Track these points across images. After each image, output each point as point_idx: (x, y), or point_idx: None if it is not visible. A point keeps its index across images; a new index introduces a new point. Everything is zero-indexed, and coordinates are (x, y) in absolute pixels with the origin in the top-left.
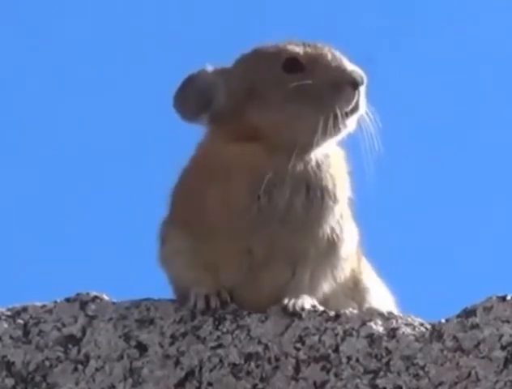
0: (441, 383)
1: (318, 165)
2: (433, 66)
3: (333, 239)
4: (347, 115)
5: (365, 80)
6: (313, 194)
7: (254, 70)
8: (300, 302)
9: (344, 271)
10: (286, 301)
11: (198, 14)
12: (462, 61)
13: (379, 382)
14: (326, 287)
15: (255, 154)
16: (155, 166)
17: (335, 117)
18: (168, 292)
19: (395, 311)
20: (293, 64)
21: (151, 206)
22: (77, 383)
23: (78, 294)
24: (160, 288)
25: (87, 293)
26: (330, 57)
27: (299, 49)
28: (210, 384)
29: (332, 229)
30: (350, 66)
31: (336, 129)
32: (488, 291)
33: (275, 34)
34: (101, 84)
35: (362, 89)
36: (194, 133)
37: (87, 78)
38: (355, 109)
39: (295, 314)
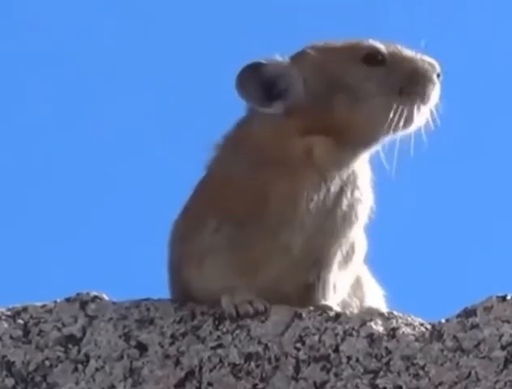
0: (441, 383)
1: (362, 167)
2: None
3: (353, 247)
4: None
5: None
6: (357, 194)
7: (332, 64)
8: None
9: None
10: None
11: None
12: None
13: (379, 382)
14: (344, 292)
15: (327, 149)
16: (154, 167)
17: (418, 108)
18: (168, 293)
19: (384, 305)
20: (374, 57)
21: (151, 206)
22: (77, 383)
23: (78, 294)
24: (160, 288)
25: (87, 293)
26: (405, 50)
27: (378, 44)
28: (210, 384)
29: (355, 236)
30: (428, 58)
31: (416, 121)
32: (488, 291)
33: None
34: (107, 79)
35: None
36: (192, 133)
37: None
38: (427, 100)
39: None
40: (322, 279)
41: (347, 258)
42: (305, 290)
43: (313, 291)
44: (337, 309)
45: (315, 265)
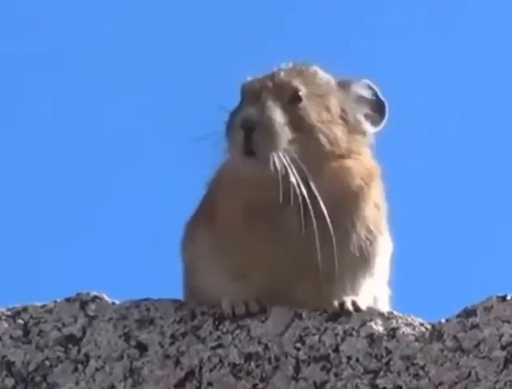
0: (441, 383)
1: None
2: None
3: (364, 251)
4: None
5: (253, 124)
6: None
7: None
8: (357, 301)
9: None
10: (344, 299)
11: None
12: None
13: (379, 382)
14: (368, 295)
15: None
16: (154, 167)
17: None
18: (168, 293)
19: (387, 304)
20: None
21: (151, 206)
22: (77, 383)
23: (78, 294)
24: (160, 288)
25: (87, 293)
26: (245, 95)
27: (245, 83)
28: (210, 384)
29: (363, 241)
30: (247, 111)
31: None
32: (488, 291)
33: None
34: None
35: (257, 133)
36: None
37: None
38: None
39: (349, 313)
40: (324, 281)
41: (359, 265)
42: (307, 292)
43: (313, 292)
44: (364, 307)
45: (318, 269)
